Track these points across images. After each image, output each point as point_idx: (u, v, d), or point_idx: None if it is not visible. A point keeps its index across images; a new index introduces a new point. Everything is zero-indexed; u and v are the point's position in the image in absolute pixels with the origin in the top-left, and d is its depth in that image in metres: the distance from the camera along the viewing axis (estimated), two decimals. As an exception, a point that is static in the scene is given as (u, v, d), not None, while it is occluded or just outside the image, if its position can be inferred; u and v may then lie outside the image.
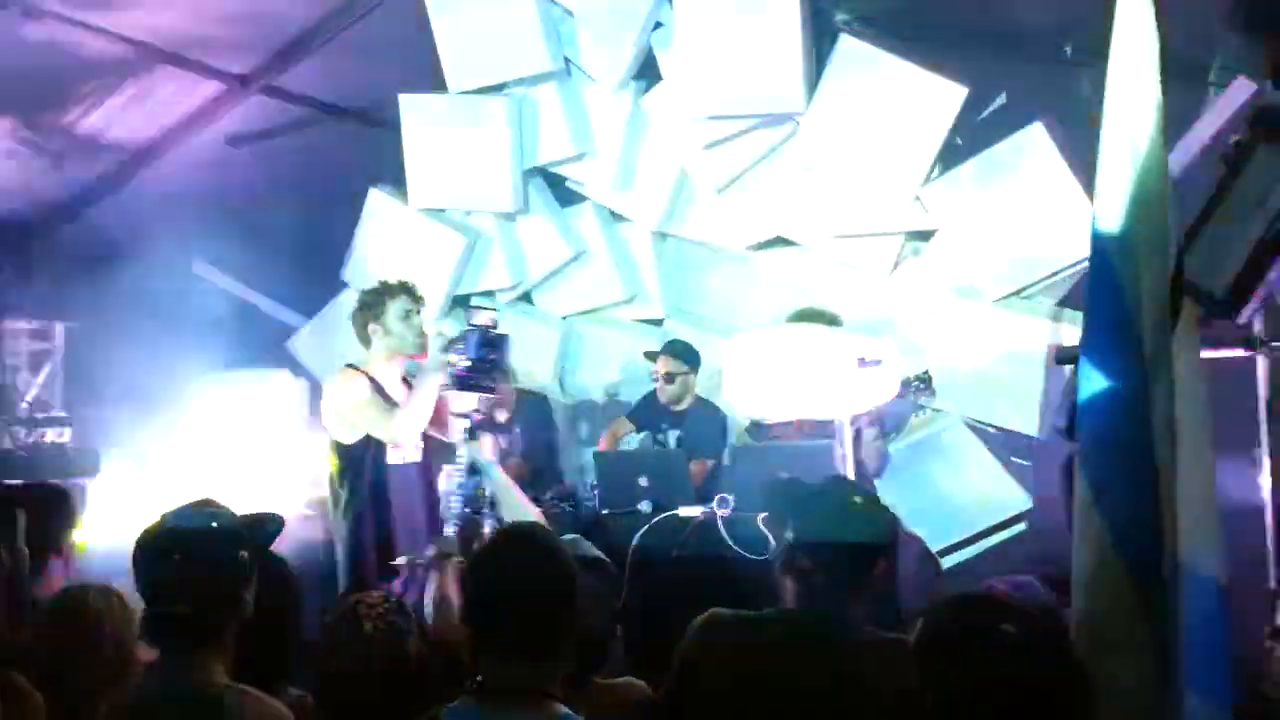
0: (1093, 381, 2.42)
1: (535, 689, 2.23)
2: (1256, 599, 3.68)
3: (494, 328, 4.45)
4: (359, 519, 4.72)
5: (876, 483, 5.66)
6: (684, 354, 6.04)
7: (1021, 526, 5.83)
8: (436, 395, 4.53)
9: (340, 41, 6.41)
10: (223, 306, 7.17)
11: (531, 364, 6.81)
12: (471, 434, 4.27)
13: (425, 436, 4.70)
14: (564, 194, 6.83)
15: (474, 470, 4.37)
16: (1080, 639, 2.31)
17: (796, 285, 6.22)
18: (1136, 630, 2.27)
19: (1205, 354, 2.82)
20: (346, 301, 6.28)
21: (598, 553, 2.97)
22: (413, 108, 6.60)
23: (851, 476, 4.89)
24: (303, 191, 6.98)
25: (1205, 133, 5.23)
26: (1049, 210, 5.52)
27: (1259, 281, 3.80)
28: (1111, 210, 2.45)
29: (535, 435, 6.24)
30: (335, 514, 4.91)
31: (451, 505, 4.29)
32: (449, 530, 4.23)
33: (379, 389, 4.76)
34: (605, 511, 5.21)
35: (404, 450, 4.70)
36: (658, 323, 6.79)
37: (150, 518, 2.47)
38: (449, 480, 4.38)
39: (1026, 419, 5.68)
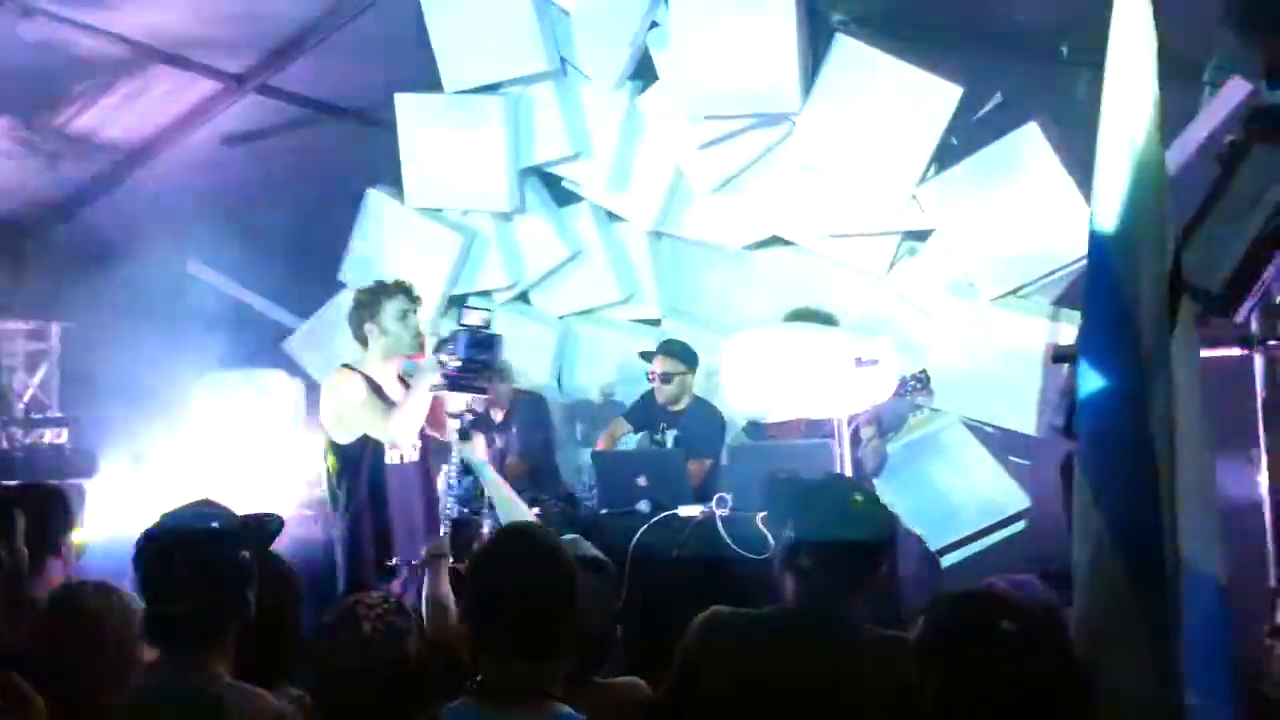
0: (1091, 379, 2.42)
1: (536, 689, 2.23)
2: (1256, 598, 3.69)
3: (485, 328, 4.45)
4: (357, 519, 4.71)
5: (875, 482, 5.67)
6: (680, 354, 6.04)
7: (1020, 525, 5.84)
8: (431, 396, 4.53)
9: (335, 41, 6.41)
10: (218, 306, 7.17)
11: (529, 364, 6.81)
12: (464, 434, 4.27)
13: (423, 436, 4.70)
14: (560, 194, 6.83)
15: (466, 471, 4.37)
16: (1080, 637, 2.31)
17: (793, 285, 6.23)
18: (1136, 628, 2.28)
19: (1203, 353, 2.82)
20: (343, 301, 6.28)
21: (597, 552, 2.97)
22: (409, 107, 6.60)
23: (850, 475, 4.91)
24: (298, 191, 6.97)
25: (1201, 132, 5.24)
26: (1045, 209, 5.52)
27: (1255, 280, 3.81)
28: (1109, 208, 2.45)
29: (532, 435, 6.24)
30: (333, 514, 4.91)
31: (445, 506, 4.29)
32: (441, 531, 4.23)
33: (376, 389, 4.75)
34: (604, 511, 5.21)
35: (402, 450, 4.70)
36: (655, 323, 6.79)
37: (148, 518, 2.47)
38: (445, 480, 4.39)
39: (1024, 418, 5.68)
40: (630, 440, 6.17)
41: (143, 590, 2.41)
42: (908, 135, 5.67)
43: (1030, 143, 5.55)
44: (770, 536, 4.47)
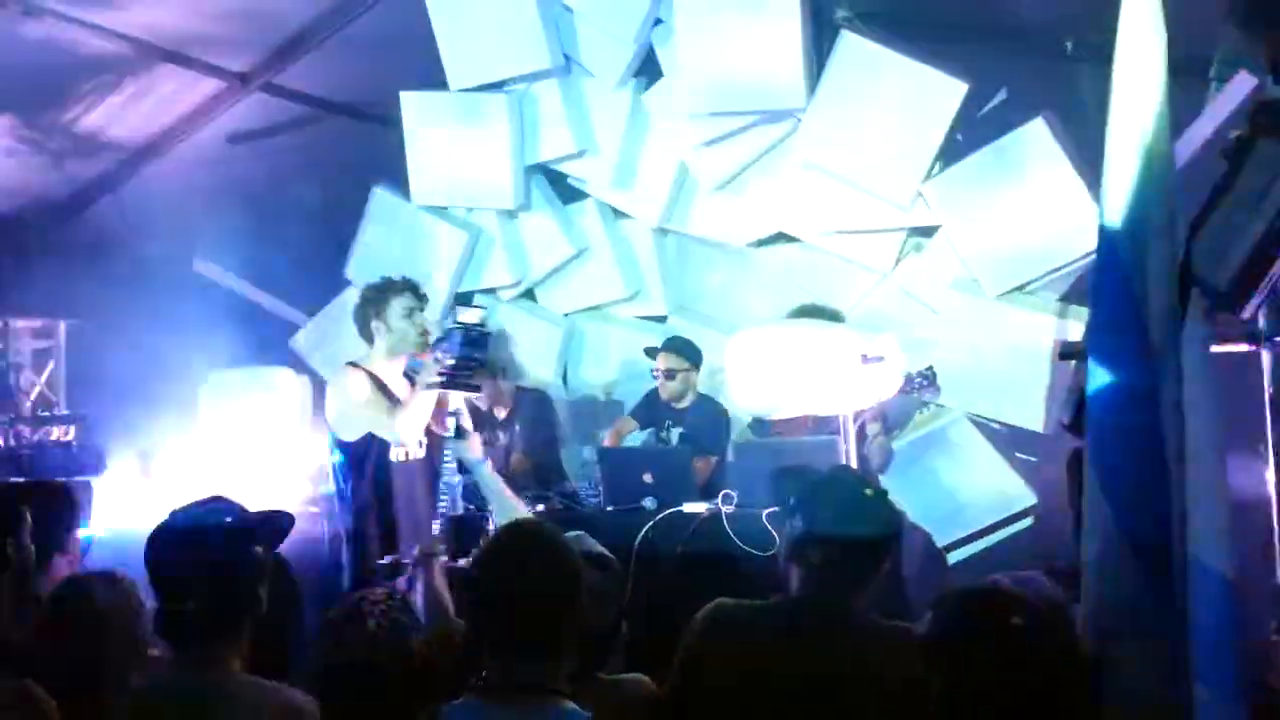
0: (1100, 375, 2.41)
1: (540, 686, 2.23)
2: (1263, 593, 3.68)
3: (480, 326, 4.45)
4: (362, 516, 4.73)
5: (881, 478, 5.67)
6: (685, 350, 6.04)
7: (1027, 522, 5.83)
8: (436, 394, 4.53)
9: (340, 39, 6.41)
10: (224, 304, 7.18)
11: (534, 361, 6.82)
12: (459, 432, 4.26)
13: (429, 433, 4.71)
14: (565, 191, 6.82)
15: (462, 469, 4.37)
16: (1089, 632, 2.31)
17: (798, 282, 6.21)
18: (1144, 624, 2.27)
19: (1211, 348, 2.81)
20: (349, 299, 6.28)
21: (602, 549, 2.97)
22: (414, 105, 6.60)
23: (855, 472, 4.91)
24: (303, 189, 6.99)
25: (1207, 128, 5.22)
26: (1051, 205, 5.51)
27: (1263, 275, 3.80)
28: (1118, 201, 2.44)
29: (536, 432, 6.24)
30: (339, 511, 4.92)
31: (439, 504, 4.29)
32: (435, 529, 4.23)
33: (381, 386, 4.76)
34: (610, 508, 5.21)
35: (407, 447, 4.70)
36: (660, 320, 6.79)
37: (156, 515, 2.47)
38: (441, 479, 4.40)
39: (1031, 414, 5.67)
40: (636, 438, 6.18)
41: (155, 586, 2.40)
42: (913, 131, 5.66)
43: (1036, 139, 5.53)
44: (775, 533, 4.47)
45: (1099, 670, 2.14)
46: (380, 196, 6.94)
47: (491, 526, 4.23)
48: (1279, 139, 3.56)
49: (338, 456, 4.82)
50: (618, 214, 6.73)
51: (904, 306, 6.03)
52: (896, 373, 4.92)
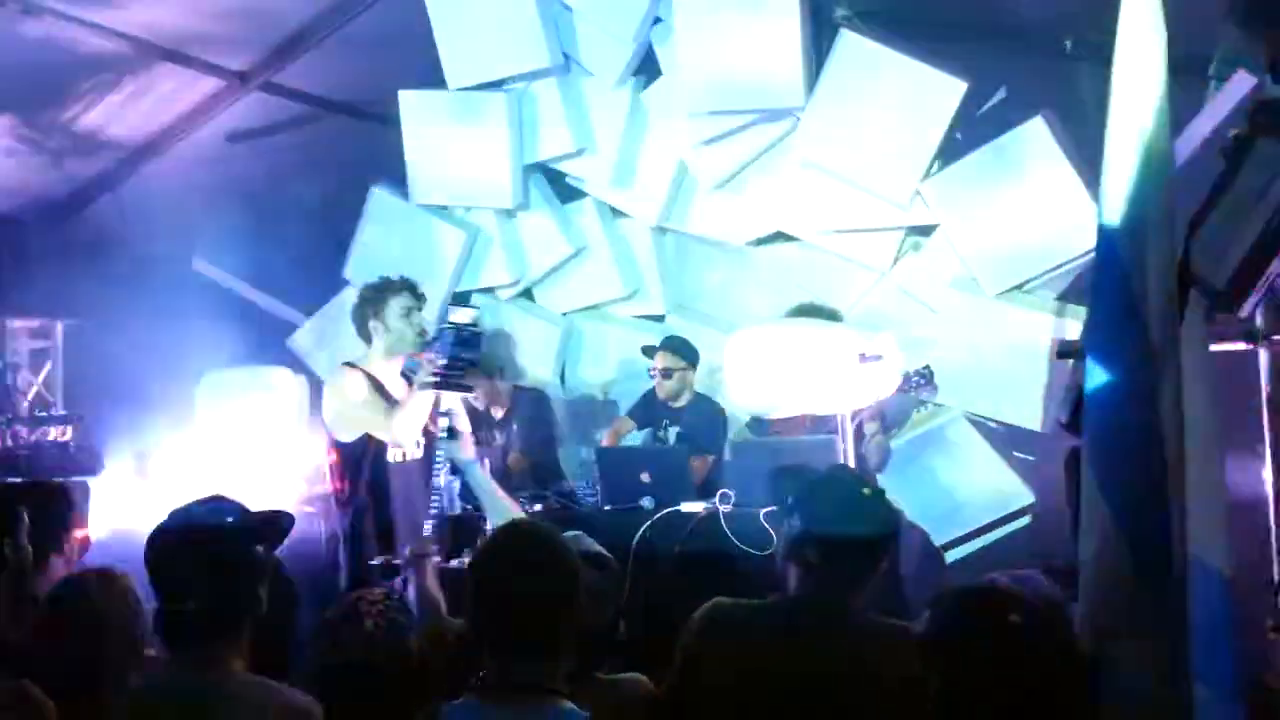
0: (1098, 374, 2.41)
1: (538, 685, 2.23)
2: (1260, 592, 3.68)
3: (472, 326, 4.44)
4: (360, 516, 4.73)
5: (879, 477, 5.67)
6: (682, 350, 6.05)
7: (1025, 520, 5.83)
8: (433, 394, 4.53)
9: (339, 38, 6.41)
10: (223, 303, 7.17)
11: (532, 360, 6.82)
12: (450, 433, 4.25)
13: (426, 434, 4.70)
14: (564, 190, 6.82)
15: (453, 470, 4.36)
16: (1087, 631, 2.31)
17: (797, 281, 6.21)
18: (1143, 623, 2.27)
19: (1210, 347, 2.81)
20: (347, 298, 6.28)
21: (600, 549, 2.97)
22: (412, 104, 6.60)
23: (854, 471, 4.91)
24: (302, 188, 6.98)
25: (1205, 127, 5.22)
26: (1050, 204, 5.51)
27: (1260, 275, 3.80)
28: (1117, 200, 2.44)
29: (534, 432, 6.25)
30: (336, 511, 4.92)
31: (431, 505, 4.28)
32: (426, 529, 4.22)
33: (378, 386, 4.76)
34: (607, 507, 5.21)
35: (405, 448, 4.70)
36: (659, 319, 6.79)
37: (155, 515, 2.46)
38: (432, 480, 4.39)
39: (1028, 413, 5.67)
40: (634, 438, 6.18)
41: (156, 586, 2.39)
42: (912, 130, 5.66)
43: (1035, 137, 5.53)
44: (773, 532, 4.47)
45: (1097, 669, 2.14)
46: (379, 195, 6.94)
47: (489, 527, 4.23)
48: (1278, 138, 3.56)
49: (335, 456, 4.82)
50: (616, 213, 6.73)
51: (902, 305, 6.03)
52: (895, 372, 4.92)
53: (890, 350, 4.79)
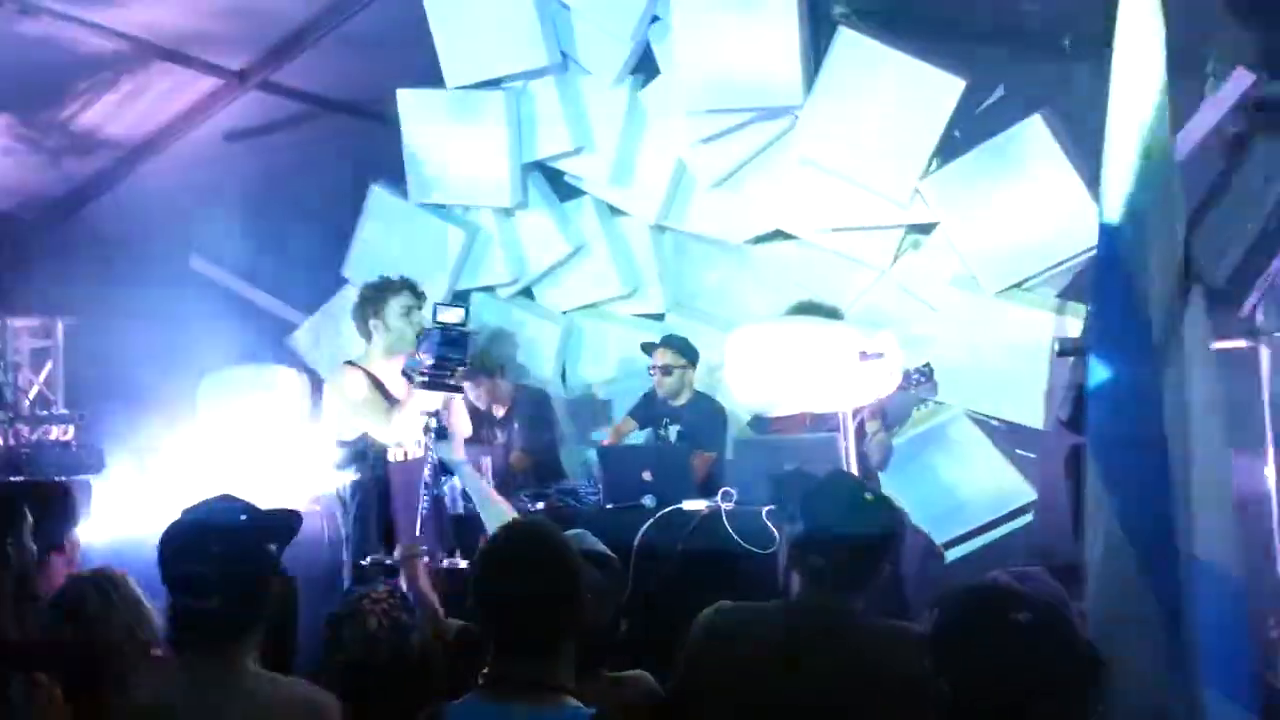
0: (1101, 372, 2.41)
1: (543, 683, 2.23)
2: (1263, 591, 3.69)
3: (460, 325, 4.41)
4: (361, 515, 4.73)
5: (881, 475, 5.67)
6: (681, 348, 6.06)
7: (1026, 518, 5.84)
8: (439, 394, 4.52)
9: (337, 37, 6.40)
10: (222, 302, 7.17)
11: (532, 359, 6.82)
12: (441, 433, 4.23)
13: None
14: (563, 188, 6.82)
15: (444, 470, 4.35)
16: (1093, 629, 2.31)
17: (796, 279, 6.22)
18: (1149, 619, 2.27)
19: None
20: (346, 297, 6.29)
21: (603, 547, 2.97)
22: (410, 103, 6.60)
23: (855, 469, 4.92)
24: (301, 187, 6.97)
25: (1204, 124, 5.22)
26: (1049, 202, 5.51)
27: (1261, 272, 3.81)
28: (1119, 198, 2.44)
29: (535, 430, 6.25)
30: (338, 510, 4.92)
31: (422, 506, 4.27)
32: (417, 530, 4.21)
33: (378, 385, 4.77)
34: (609, 506, 5.21)
35: (406, 447, 4.70)
36: (658, 317, 6.79)
37: (157, 514, 2.46)
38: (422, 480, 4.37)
39: (1029, 411, 5.67)
40: (636, 438, 6.18)
41: (171, 585, 2.37)
42: (911, 128, 5.66)
43: (1034, 135, 5.53)
44: (775, 530, 4.47)
45: (1103, 666, 2.14)
46: (378, 194, 6.94)
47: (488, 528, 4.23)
48: (1277, 135, 3.56)
49: (337, 455, 4.82)
50: (615, 211, 6.73)
51: (902, 303, 6.03)
52: (895, 370, 4.92)
53: (890, 348, 4.79)
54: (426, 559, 3.81)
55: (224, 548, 2.34)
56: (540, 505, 5.29)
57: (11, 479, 5.58)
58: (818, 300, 5.73)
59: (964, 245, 5.78)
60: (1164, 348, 2.37)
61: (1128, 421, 2.37)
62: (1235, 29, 4.94)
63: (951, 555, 5.94)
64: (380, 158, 6.83)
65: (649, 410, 6.15)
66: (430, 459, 4.30)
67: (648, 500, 5.04)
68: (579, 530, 2.97)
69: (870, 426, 5.48)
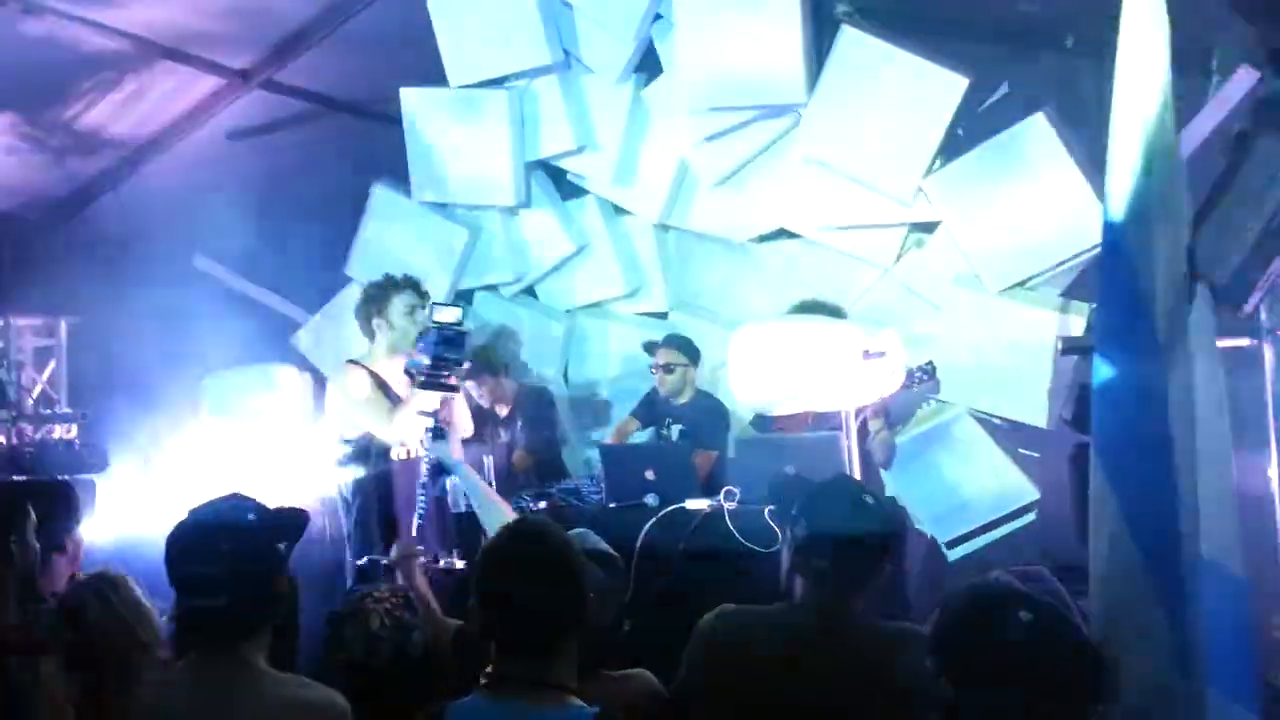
0: (1106, 368, 2.40)
1: (547, 682, 2.24)
2: (1266, 590, 3.68)
3: (456, 325, 4.42)
4: (364, 514, 4.74)
5: (885, 474, 5.67)
6: (683, 347, 6.07)
7: (1030, 517, 5.83)
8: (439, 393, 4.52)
9: (340, 36, 6.40)
10: (225, 301, 7.17)
11: (535, 358, 6.83)
12: (437, 433, 4.23)
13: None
14: (566, 187, 6.82)
15: (441, 470, 4.35)
16: (1097, 629, 2.31)
17: (799, 277, 6.21)
18: (1154, 620, 2.27)
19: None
20: (350, 296, 6.29)
21: (605, 546, 2.97)
22: (414, 102, 6.60)
23: (858, 467, 4.91)
24: (304, 186, 6.98)
25: (1208, 122, 5.21)
26: (1052, 201, 5.50)
27: (1264, 270, 3.80)
28: (1123, 196, 2.44)
29: (538, 429, 6.26)
30: (340, 509, 4.93)
31: (419, 505, 4.27)
32: (413, 530, 4.21)
33: (381, 384, 4.78)
34: (611, 505, 5.21)
35: (409, 445, 4.71)
36: (661, 316, 6.79)
37: (160, 513, 2.46)
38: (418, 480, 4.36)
39: (1032, 410, 5.66)
40: (639, 438, 6.18)
41: (180, 585, 2.37)
42: (914, 126, 5.65)
43: (1038, 134, 5.52)
44: (777, 530, 4.47)
45: (1107, 666, 2.14)
46: (381, 193, 6.94)
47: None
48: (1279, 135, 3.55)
49: (339, 454, 4.83)
50: (618, 210, 6.73)
51: (905, 302, 6.02)
52: (898, 368, 4.91)
53: (894, 347, 4.78)
54: (424, 559, 3.81)
55: (233, 547, 2.33)
56: (542, 504, 5.29)
57: (14, 478, 5.59)
58: (821, 299, 5.72)
59: (967, 244, 5.77)
60: (1169, 346, 2.36)
61: (1132, 420, 2.36)
62: (1240, 27, 4.93)
63: (954, 554, 5.93)
64: (383, 157, 6.83)
65: (651, 410, 6.15)
66: (428, 459, 4.30)
67: (650, 499, 5.03)
68: (581, 529, 2.98)
69: (873, 425, 5.48)
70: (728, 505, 4.79)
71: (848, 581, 2.64)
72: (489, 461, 5.56)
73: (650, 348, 6.13)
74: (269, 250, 7.04)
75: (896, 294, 6.06)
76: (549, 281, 6.90)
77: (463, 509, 4.66)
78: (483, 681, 2.26)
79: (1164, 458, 2.31)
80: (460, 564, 4.48)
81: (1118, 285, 2.44)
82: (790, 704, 2.55)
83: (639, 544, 4.63)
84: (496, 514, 3.53)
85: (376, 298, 4.91)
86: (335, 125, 7.12)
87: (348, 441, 4.77)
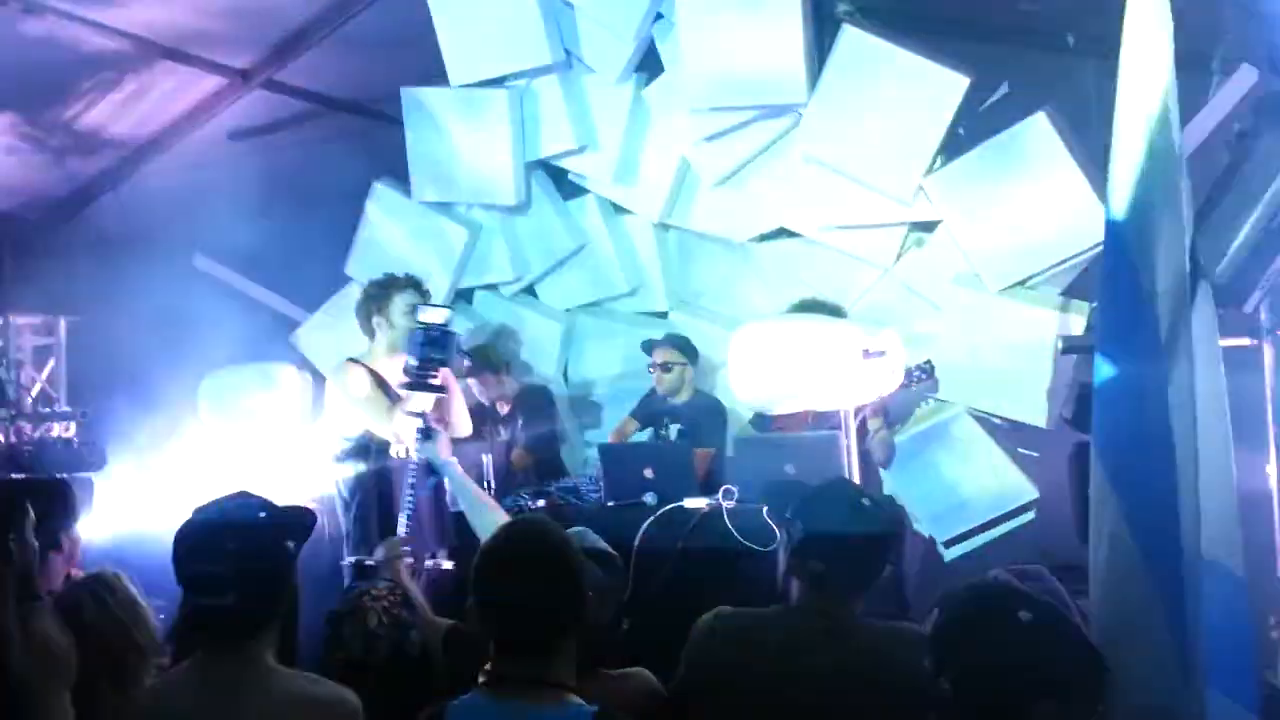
0: (1108, 368, 2.40)
1: (546, 681, 2.23)
2: (1264, 590, 3.68)
3: (443, 325, 4.40)
4: (363, 513, 4.73)
5: (884, 473, 5.67)
6: (681, 346, 6.08)
7: (1029, 516, 5.83)
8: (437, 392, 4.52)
9: (341, 35, 6.41)
10: (225, 300, 7.18)
11: (535, 356, 6.83)
12: (426, 433, 4.22)
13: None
14: (566, 187, 6.82)
15: (431, 470, 4.34)
16: (1097, 629, 2.31)
17: (799, 277, 6.21)
18: (1152, 619, 2.27)
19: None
20: (350, 295, 6.29)
21: (604, 545, 2.97)
22: (414, 102, 6.60)
23: (857, 467, 4.91)
24: (304, 185, 6.98)
25: (1209, 121, 5.21)
26: (1053, 200, 5.49)
27: (1265, 269, 3.79)
28: (1125, 194, 2.43)
29: (537, 428, 6.26)
30: (339, 507, 4.93)
31: (406, 505, 4.26)
32: (401, 530, 4.20)
33: (381, 383, 4.77)
34: (610, 504, 5.21)
35: (407, 444, 4.70)
36: (661, 315, 6.79)
37: (160, 511, 2.46)
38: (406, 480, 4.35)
39: (1033, 409, 5.66)
40: (639, 438, 6.18)
41: (187, 583, 2.35)
42: (915, 126, 5.64)
43: (1038, 133, 5.51)
44: (776, 529, 4.47)
45: (1106, 665, 2.13)
46: (381, 192, 6.94)
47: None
48: (1280, 134, 3.54)
49: (338, 452, 4.82)
50: (618, 209, 6.73)
51: (905, 301, 6.02)
52: (898, 368, 4.91)
53: (893, 346, 4.78)
54: (411, 559, 3.79)
55: (242, 545, 2.32)
56: (541, 503, 5.29)
57: (12, 476, 5.59)
58: (821, 298, 5.72)
59: (967, 243, 5.77)
60: (1170, 346, 2.36)
61: (1133, 419, 2.35)
62: (1241, 26, 4.93)
63: (953, 553, 5.93)
64: (384, 156, 6.83)
65: (649, 409, 6.16)
66: (418, 459, 4.29)
67: (649, 498, 5.03)
68: (580, 528, 2.97)
69: (872, 424, 5.48)
70: (726, 504, 4.79)
71: (845, 584, 2.64)
72: (488, 460, 5.56)
73: (648, 347, 6.13)
74: (269, 250, 7.05)
75: (896, 293, 6.05)
76: (549, 280, 6.90)
77: (462, 507, 4.66)
78: (481, 680, 2.26)
79: (1164, 457, 2.31)
80: (448, 564, 4.48)
81: (1119, 284, 2.44)
82: (790, 704, 2.55)
83: (638, 543, 4.62)
84: (486, 516, 3.52)
85: (378, 296, 4.91)
86: (335, 125, 7.12)
87: (347, 439, 4.77)
